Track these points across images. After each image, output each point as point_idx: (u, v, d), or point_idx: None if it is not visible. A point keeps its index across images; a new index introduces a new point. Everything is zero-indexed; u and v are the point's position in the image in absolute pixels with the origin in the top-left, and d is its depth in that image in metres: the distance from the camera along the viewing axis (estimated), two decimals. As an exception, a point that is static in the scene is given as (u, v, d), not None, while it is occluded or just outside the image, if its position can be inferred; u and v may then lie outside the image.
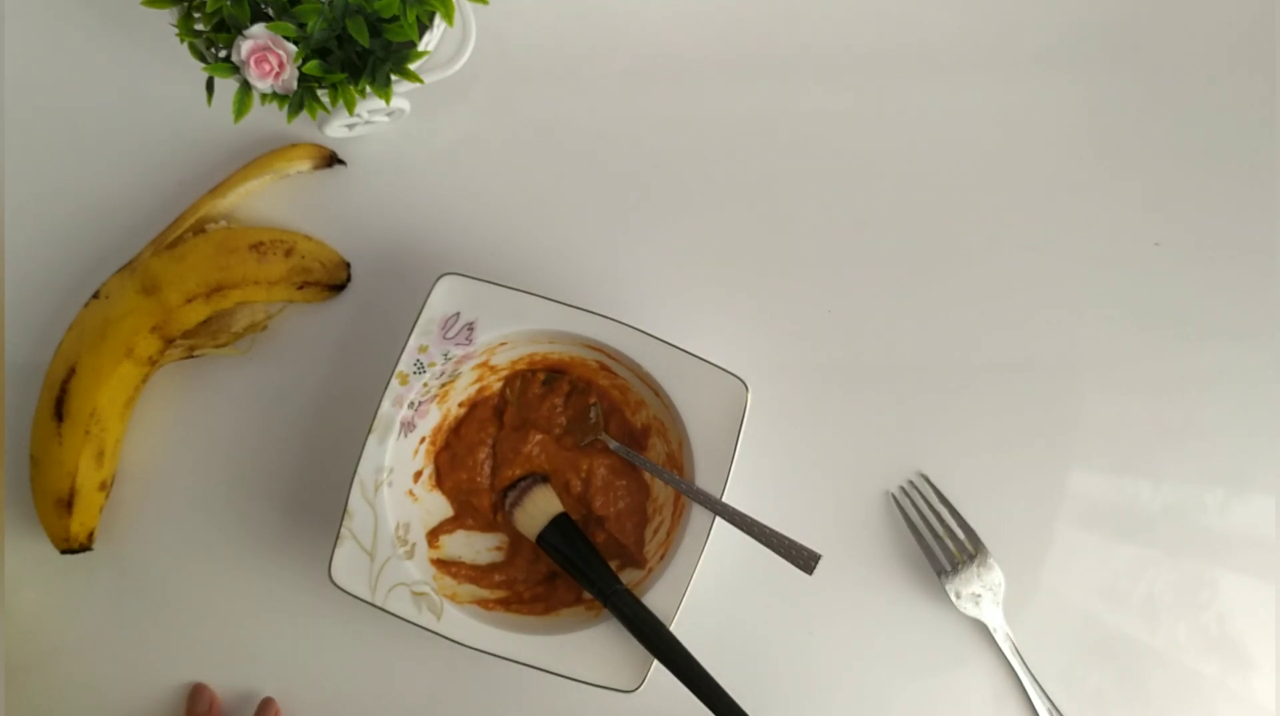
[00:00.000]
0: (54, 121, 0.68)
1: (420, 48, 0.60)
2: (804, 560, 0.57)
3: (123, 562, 0.65)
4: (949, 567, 0.64)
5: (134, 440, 0.66)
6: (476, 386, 0.64)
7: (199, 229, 0.65)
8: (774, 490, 0.65)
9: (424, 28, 0.62)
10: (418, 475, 0.63)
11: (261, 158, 0.67)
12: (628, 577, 0.61)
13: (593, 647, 0.58)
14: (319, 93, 0.57)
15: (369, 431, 0.59)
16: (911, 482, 0.65)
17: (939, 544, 0.64)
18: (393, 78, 0.58)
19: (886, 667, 0.64)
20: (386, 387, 0.60)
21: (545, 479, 0.63)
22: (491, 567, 0.63)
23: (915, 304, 0.67)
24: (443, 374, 0.61)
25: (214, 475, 0.66)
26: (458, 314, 0.60)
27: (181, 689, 0.64)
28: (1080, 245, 0.67)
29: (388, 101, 0.58)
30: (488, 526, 0.64)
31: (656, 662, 0.57)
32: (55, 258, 0.67)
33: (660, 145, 0.68)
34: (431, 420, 0.63)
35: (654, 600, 0.58)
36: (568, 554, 0.61)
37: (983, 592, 0.63)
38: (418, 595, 0.59)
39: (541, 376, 0.64)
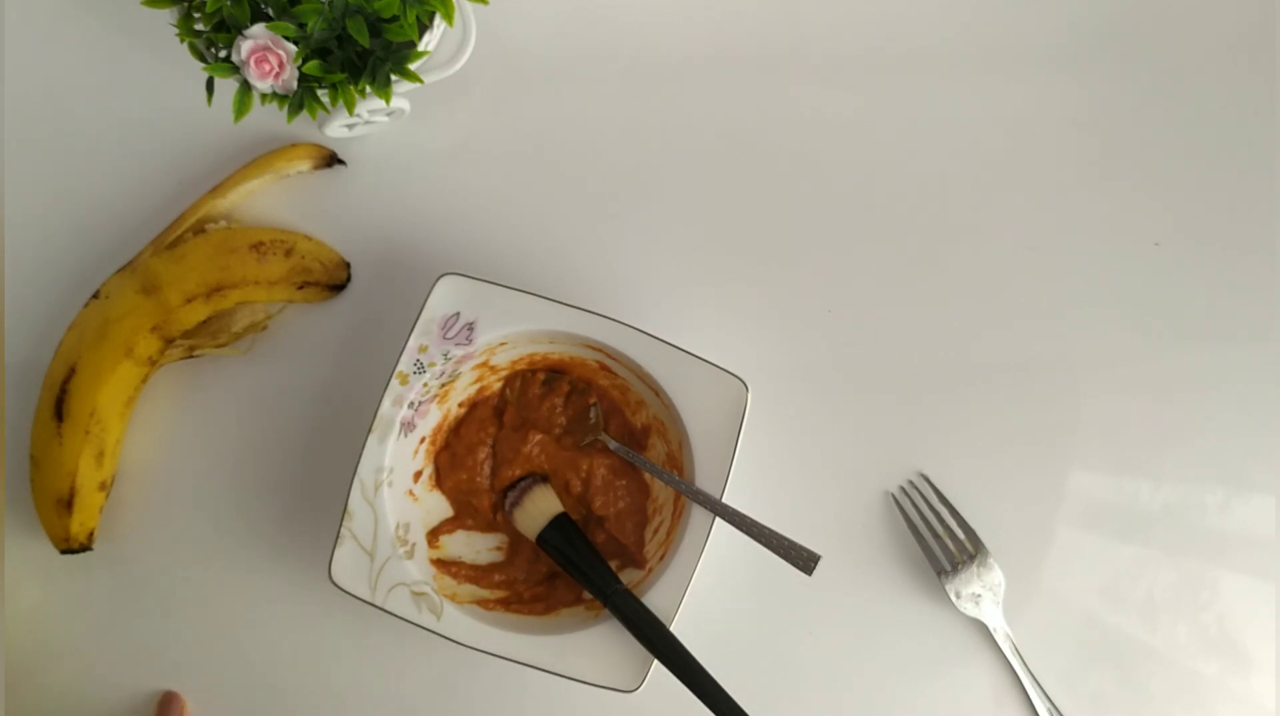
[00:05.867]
0: (54, 122, 0.68)
1: (420, 48, 0.60)
2: (803, 560, 0.57)
3: (123, 562, 0.65)
4: (949, 567, 0.63)
5: (134, 440, 0.66)
6: (476, 386, 0.64)
7: (199, 229, 0.65)
8: (774, 490, 0.65)
9: (424, 28, 0.62)
10: (418, 475, 0.63)
11: (261, 158, 0.67)
12: (628, 577, 0.61)
13: (593, 647, 0.58)
14: (319, 93, 0.57)
15: (369, 431, 0.59)
16: (911, 482, 0.65)
17: (939, 544, 0.64)
18: (393, 78, 0.58)
19: (886, 667, 0.64)
20: (386, 387, 0.60)
21: (545, 479, 0.63)
22: (491, 567, 0.63)
23: (916, 304, 0.67)
24: (443, 374, 0.61)
25: (214, 475, 0.66)
26: (458, 314, 0.60)
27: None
28: (1081, 245, 0.67)
29: (388, 101, 0.58)
30: (488, 526, 0.64)
31: (656, 662, 0.57)
32: (55, 258, 0.67)
33: (660, 145, 0.68)
34: (431, 420, 0.63)
35: (654, 600, 0.58)
36: (568, 554, 0.61)
37: (983, 592, 0.63)
38: (418, 595, 0.59)
39: (541, 376, 0.64)
